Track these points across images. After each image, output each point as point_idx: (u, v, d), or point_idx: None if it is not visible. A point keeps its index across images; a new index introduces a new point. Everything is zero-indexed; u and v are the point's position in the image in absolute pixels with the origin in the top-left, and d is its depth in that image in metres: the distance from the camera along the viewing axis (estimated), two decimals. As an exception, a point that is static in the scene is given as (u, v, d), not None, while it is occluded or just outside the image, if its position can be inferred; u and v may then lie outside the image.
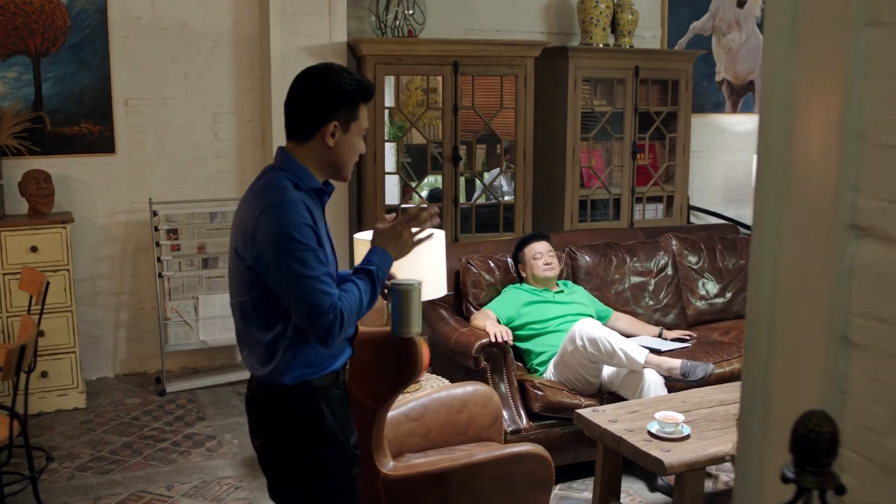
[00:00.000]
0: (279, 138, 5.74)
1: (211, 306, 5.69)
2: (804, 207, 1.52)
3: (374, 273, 2.39)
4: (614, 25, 6.54)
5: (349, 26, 6.01)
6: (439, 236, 3.37)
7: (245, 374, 5.73)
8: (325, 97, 2.33)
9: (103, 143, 5.68)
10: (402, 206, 5.66)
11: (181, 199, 5.74)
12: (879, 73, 1.40)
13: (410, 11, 5.88)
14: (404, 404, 3.23)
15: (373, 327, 2.86)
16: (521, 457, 2.84)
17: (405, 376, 2.62)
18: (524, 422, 4.01)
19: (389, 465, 2.78)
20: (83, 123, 5.60)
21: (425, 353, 3.84)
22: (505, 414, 3.96)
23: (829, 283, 1.50)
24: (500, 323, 4.31)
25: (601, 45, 6.39)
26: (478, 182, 6.13)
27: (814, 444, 1.22)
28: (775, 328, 1.60)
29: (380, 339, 2.66)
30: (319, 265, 2.23)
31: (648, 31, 7.11)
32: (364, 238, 3.69)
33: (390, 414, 3.14)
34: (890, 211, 1.39)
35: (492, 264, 4.72)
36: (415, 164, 6.08)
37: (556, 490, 4.08)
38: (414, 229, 2.46)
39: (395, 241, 2.45)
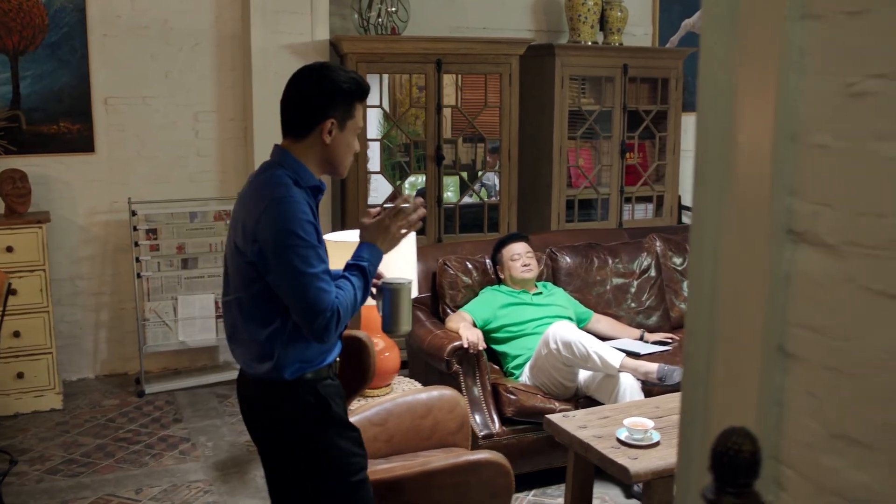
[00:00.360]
0: (261, 137, 5.70)
1: (190, 307, 5.62)
2: (742, 211, 1.45)
3: (367, 269, 2.41)
4: (603, 23, 6.47)
5: (332, 24, 5.94)
6: (411, 236, 3.30)
7: (226, 376, 5.72)
8: (322, 94, 2.36)
9: (83, 142, 5.61)
10: (384, 204, 5.59)
11: (161, 199, 5.67)
12: (814, 69, 1.33)
13: (393, 9, 5.81)
14: (368, 409, 3.16)
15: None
16: (479, 465, 2.77)
17: (357, 382, 2.55)
18: (497, 426, 3.93)
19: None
20: (62, 122, 5.53)
21: (395, 356, 3.78)
22: (477, 418, 3.89)
23: (766, 291, 1.43)
24: (475, 325, 4.24)
25: (589, 43, 6.31)
26: (474, 181, 6.06)
27: (733, 464, 1.15)
28: (715, 338, 1.53)
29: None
30: (320, 262, 2.25)
31: (639, 29, 7.03)
32: (332, 239, 3.61)
33: (353, 419, 3.07)
34: (824, 215, 1.32)
35: (469, 265, 4.65)
36: (403, 164, 6.01)
37: (531, 496, 4.01)
38: (400, 222, 2.47)
39: (384, 235, 2.46)
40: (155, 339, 5.58)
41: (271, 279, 2.26)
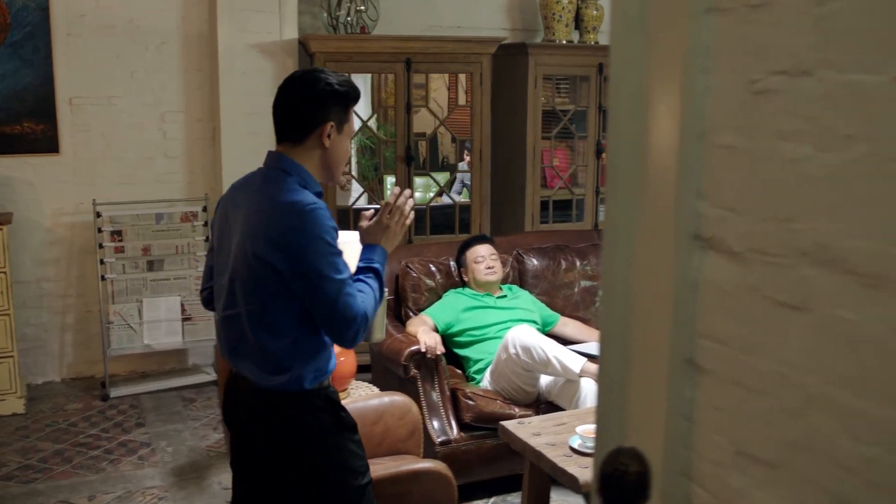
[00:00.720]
0: (229, 138, 5.63)
1: (156, 309, 5.54)
2: (652, 215, 1.38)
3: (380, 270, 2.45)
4: (578, 21, 6.40)
5: (302, 23, 5.87)
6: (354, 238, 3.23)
7: (194, 379, 5.65)
8: (320, 97, 2.36)
9: (47, 143, 5.53)
10: (363, 209, 5.52)
11: (127, 201, 5.59)
12: (720, 66, 1.26)
13: (362, 7, 5.74)
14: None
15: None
16: (420, 474, 2.70)
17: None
18: (455, 432, 3.86)
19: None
20: (25, 123, 5.45)
21: (352, 360, 3.70)
22: (435, 424, 3.82)
23: (674, 299, 1.36)
24: (436, 329, 4.16)
25: (564, 42, 6.24)
26: (455, 181, 5.99)
27: (620, 485, 1.09)
28: (629, 348, 1.46)
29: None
30: (346, 269, 2.28)
31: (615, 28, 6.95)
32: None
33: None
34: (730, 220, 1.25)
35: (433, 268, 4.57)
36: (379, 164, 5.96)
37: (490, 503, 3.94)
38: (396, 217, 2.50)
39: (385, 234, 2.49)
40: (119, 342, 5.50)
41: (299, 287, 2.25)
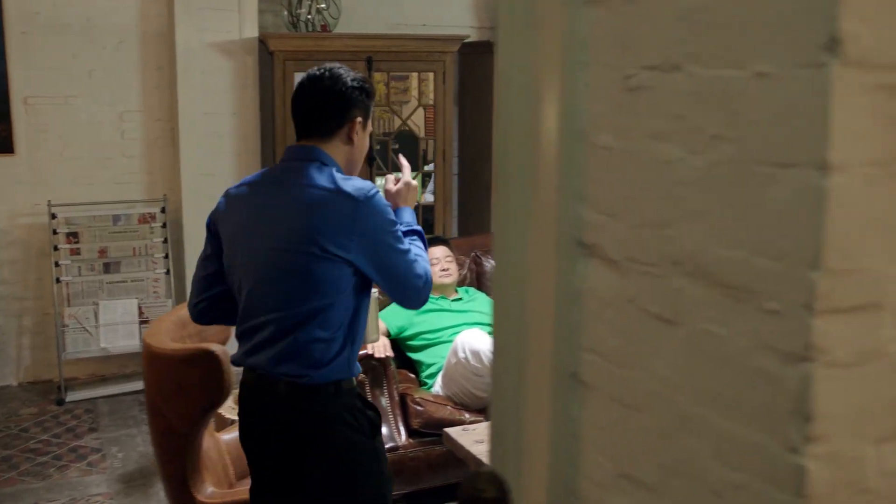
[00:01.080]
0: (188, 137, 5.53)
1: (113, 312, 5.44)
2: (537, 220, 1.31)
3: (421, 231, 2.52)
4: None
5: (264, 21, 5.78)
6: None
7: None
8: (348, 92, 2.37)
9: (2, 143, 5.41)
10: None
11: (84, 202, 5.49)
12: (597, 61, 1.19)
13: (323, 5, 5.65)
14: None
15: (191, 344, 2.63)
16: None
17: (214, 397, 2.39)
18: (402, 439, 3.77)
19: (208, 492, 2.56)
20: (-21, 122, 5.34)
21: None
22: (384, 430, 3.73)
23: (557, 310, 1.29)
24: (388, 333, 4.08)
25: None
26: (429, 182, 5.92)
27: (475, 513, 1.01)
28: (523, 362, 1.38)
29: (186, 358, 2.43)
30: (405, 239, 2.34)
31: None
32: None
33: (227, 436, 2.92)
34: (609, 226, 1.18)
35: (388, 270, 4.48)
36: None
37: (441, 510, 3.86)
38: (412, 177, 2.62)
39: (407, 194, 2.59)
40: (75, 345, 5.40)
41: (375, 266, 2.26)
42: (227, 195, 2.43)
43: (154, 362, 2.55)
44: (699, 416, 1.02)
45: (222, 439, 2.96)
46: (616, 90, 1.13)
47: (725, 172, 0.95)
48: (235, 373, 2.53)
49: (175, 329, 2.76)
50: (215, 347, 2.49)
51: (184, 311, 2.86)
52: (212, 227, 2.43)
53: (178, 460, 2.46)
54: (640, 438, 1.13)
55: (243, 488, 2.77)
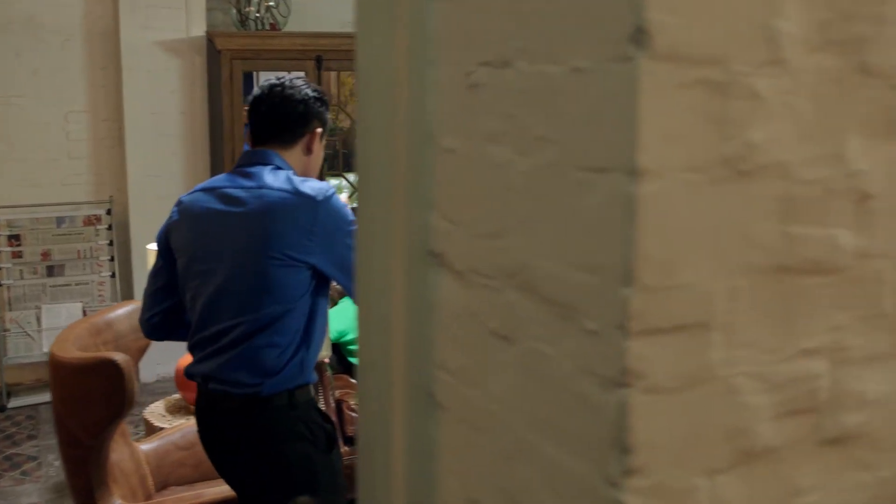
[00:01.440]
0: (134, 138, 5.42)
1: (56, 316, 5.33)
2: (389, 226, 1.22)
3: None
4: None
5: (213, 19, 5.68)
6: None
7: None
8: (310, 102, 2.37)
9: (-57, 144, 5.30)
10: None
11: (27, 203, 5.37)
12: (442, 56, 1.10)
13: (272, 3, 5.55)
14: (174, 432, 2.91)
15: (93, 353, 2.53)
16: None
17: (116, 408, 2.31)
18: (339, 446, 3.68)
19: (115, 507, 2.46)
20: (-82, 122, 5.22)
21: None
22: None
23: (410, 323, 1.21)
24: (329, 337, 3.99)
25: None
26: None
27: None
28: (385, 379, 1.30)
29: (86, 368, 2.34)
30: None
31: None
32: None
33: (156, 443, 2.83)
34: (453, 235, 1.09)
35: (330, 273, 4.39)
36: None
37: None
38: None
39: None
40: (17, 350, 5.28)
41: (333, 265, 2.22)
42: (179, 204, 2.37)
43: (57, 371, 2.46)
44: (532, 442, 0.94)
45: (142, 449, 2.86)
46: (459, 89, 1.05)
47: (548, 177, 0.87)
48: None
49: (88, 336, 2.67)
50: (117, 357, 2.39)
51: (99, 317, 2.77)
52: (164, 238, 2.38)
53: (83, 473, 2.37)
54: (485, 462, 1.05)
55: (162, 499, 2.68)
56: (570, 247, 0.84)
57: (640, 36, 0.73)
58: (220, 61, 5.34)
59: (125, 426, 2.78)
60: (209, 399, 2.30)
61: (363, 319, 1.33)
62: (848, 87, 0.84)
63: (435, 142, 1.12)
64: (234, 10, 5.55)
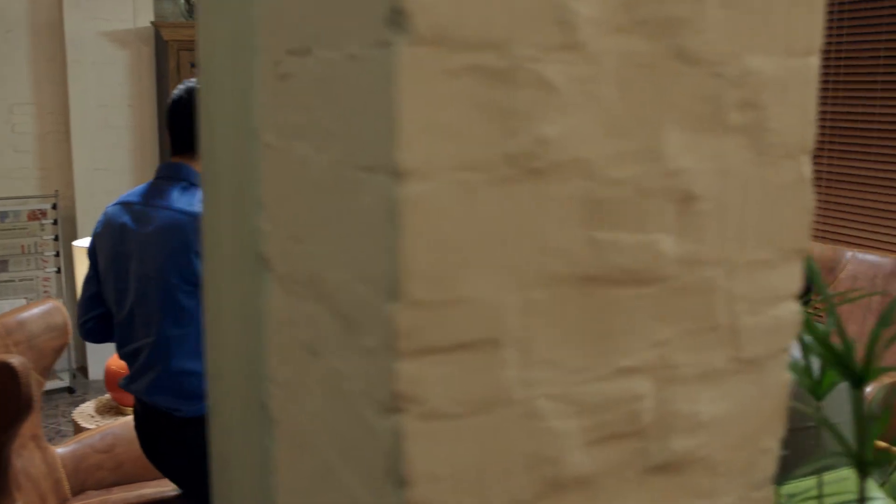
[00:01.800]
0: (81, 131, 5.31)
1: None
2: (227, 229, 1.14)
3: None
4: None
5: (163, 9, 5.57)
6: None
7: (46, 385, 5.31)
8: None
9: None
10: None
11: (-30, 198, 5.26)
12: (262, 46, 1.02)
13: (220, -7, 5.43)
14: (94, 434, 2.82)
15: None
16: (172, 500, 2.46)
17: (13, 413, 2.22)
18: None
19: (16, 515, 2.37)
20: None
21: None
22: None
23: (246, 333, 1.12)
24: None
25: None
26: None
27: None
28: (225, 389, 1.22)
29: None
30: None
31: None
32: (82, 245, 3.26)
33: (73, 446, 2.74)
34: (273, 237, 1.01)
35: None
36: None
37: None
38: None
39: None
40: (-41, 349, 5.16)
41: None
42: (105, 214, 2.37)
43: (-45, 375, 2.37)
44: (334, 466, 0.86)
45: (59, 452, 2.77)
46: (271, 79, 0.97)
47: (335, 176, 0.79)
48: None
49: (-2, 337, 2.58)
50: (14, 360, 2.30)
51: (10, 317, 2.68)
52: (92, 249, 2.39)
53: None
54: (305, 482, 0.97)
55: (91, 501, 2.61)
56: (351, 255, 0.75)
57: (397, 17, 0.65)
58: (167, 52, 5.23)
59: (38, 429, 2.69)
60: (144, 408, 2.33)
61: (208, 329, 1.25)
62: (663, 74, 0.76)
63: (259, 137, 1.04)
64: (182, 0, 5.44)
